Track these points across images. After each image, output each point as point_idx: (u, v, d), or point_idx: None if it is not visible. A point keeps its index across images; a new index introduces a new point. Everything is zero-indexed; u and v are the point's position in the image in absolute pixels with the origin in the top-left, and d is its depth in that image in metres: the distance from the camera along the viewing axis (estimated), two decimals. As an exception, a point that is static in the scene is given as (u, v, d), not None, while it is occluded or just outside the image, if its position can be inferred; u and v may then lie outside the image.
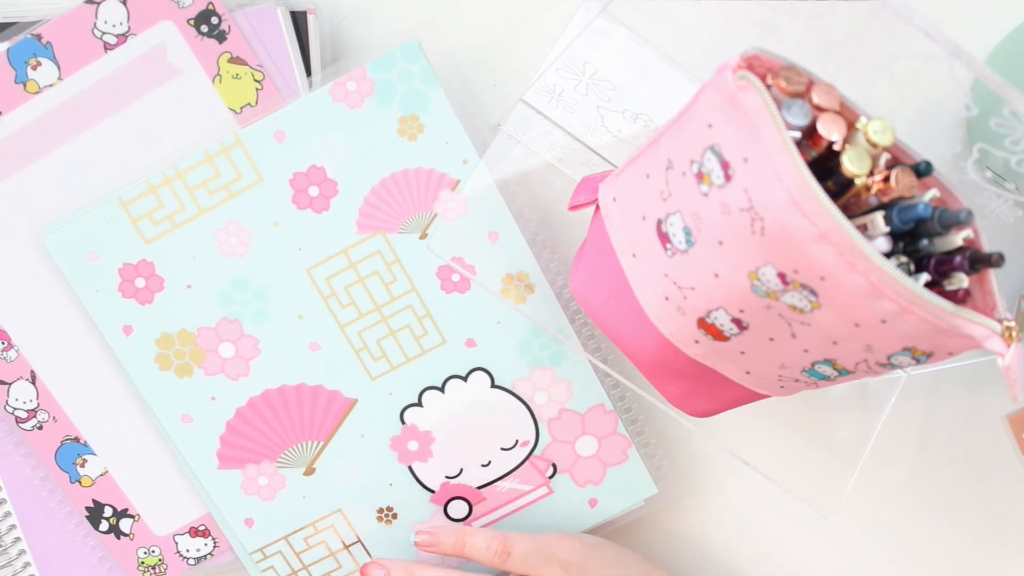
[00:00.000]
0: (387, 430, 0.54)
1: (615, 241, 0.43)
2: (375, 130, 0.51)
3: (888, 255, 0.34)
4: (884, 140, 0.34)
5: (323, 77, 0.52)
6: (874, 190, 0.34)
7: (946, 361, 0.36)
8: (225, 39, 0.51)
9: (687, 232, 0.37)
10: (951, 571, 0.59)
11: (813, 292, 0.34)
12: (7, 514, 0.55)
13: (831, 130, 0.34)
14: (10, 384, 0.53)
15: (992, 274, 0.36)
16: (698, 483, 0.58)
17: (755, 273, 0.35)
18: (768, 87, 0.34)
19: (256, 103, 0.52)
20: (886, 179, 0.34)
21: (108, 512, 0.55)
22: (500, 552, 0.49)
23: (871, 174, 0.34)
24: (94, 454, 0.54)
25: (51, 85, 0.51)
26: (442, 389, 0.54)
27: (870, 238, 0.34)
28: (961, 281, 0.35)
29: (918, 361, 0.36)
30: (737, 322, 0.38)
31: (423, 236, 0.52)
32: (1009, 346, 0.34)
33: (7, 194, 0.52)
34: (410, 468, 0.55)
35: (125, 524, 0.55)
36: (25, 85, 0.51)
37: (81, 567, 0.55)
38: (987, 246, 0.36)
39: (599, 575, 0.50)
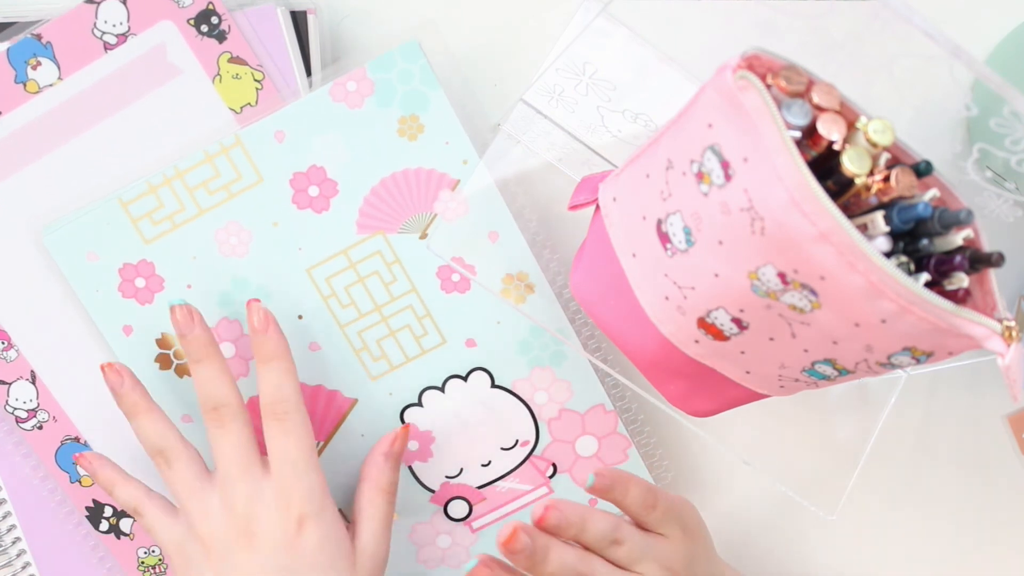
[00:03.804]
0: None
1: (615, 241, 0.43)
2: (375, 130, 0.51)
3: (888, 255, 0.34)
4: (884, 140, 0.34)
5: (323, 77, 0.52)
6: (874, 190, 0.34)
7: (946, 361, 0.36)
8: (225, 39, 0.51)
9: (687, 232, 0.37)
10: (951, 571, 0.59)
11: (813, 292, 0.34)
12: (7, 514, 0.55)
13: (831, 130, 0.34)
14: (10, 384, 0.53)
15: (992, 274, 0.36)
16: (698, 482, 0.58)
17: (755, 273, 0.35)
18: (768, 87, 0.34)
19: (256, 103, 0.52)
20: (886, 179, 0.34)
21: (108, 512, 0.55)
22: (649, 506, 0.48)
23: (871, 174, 0.34)
24: (94, 454, 0.54)
25: (51, 85, 0.51)
26: (442, 389, 0.54)
27: (870, 238, 0.34)
28: (961, 281, 0.35)
29: (918, 361, 0.36)
30: (737, 322, 0.38)
31: (423, 236, 0.52)
32: (1009, 346, 0.34)
33: (7, 194, 0.52)
34: (410, 468, 0.55)
35: (125, 524, 0.55)
36: (25, 85, 0.51)
37: (81, 567, 0.55)
38: (987, 246, 0.36)
39: (702, 551, 0.49)
